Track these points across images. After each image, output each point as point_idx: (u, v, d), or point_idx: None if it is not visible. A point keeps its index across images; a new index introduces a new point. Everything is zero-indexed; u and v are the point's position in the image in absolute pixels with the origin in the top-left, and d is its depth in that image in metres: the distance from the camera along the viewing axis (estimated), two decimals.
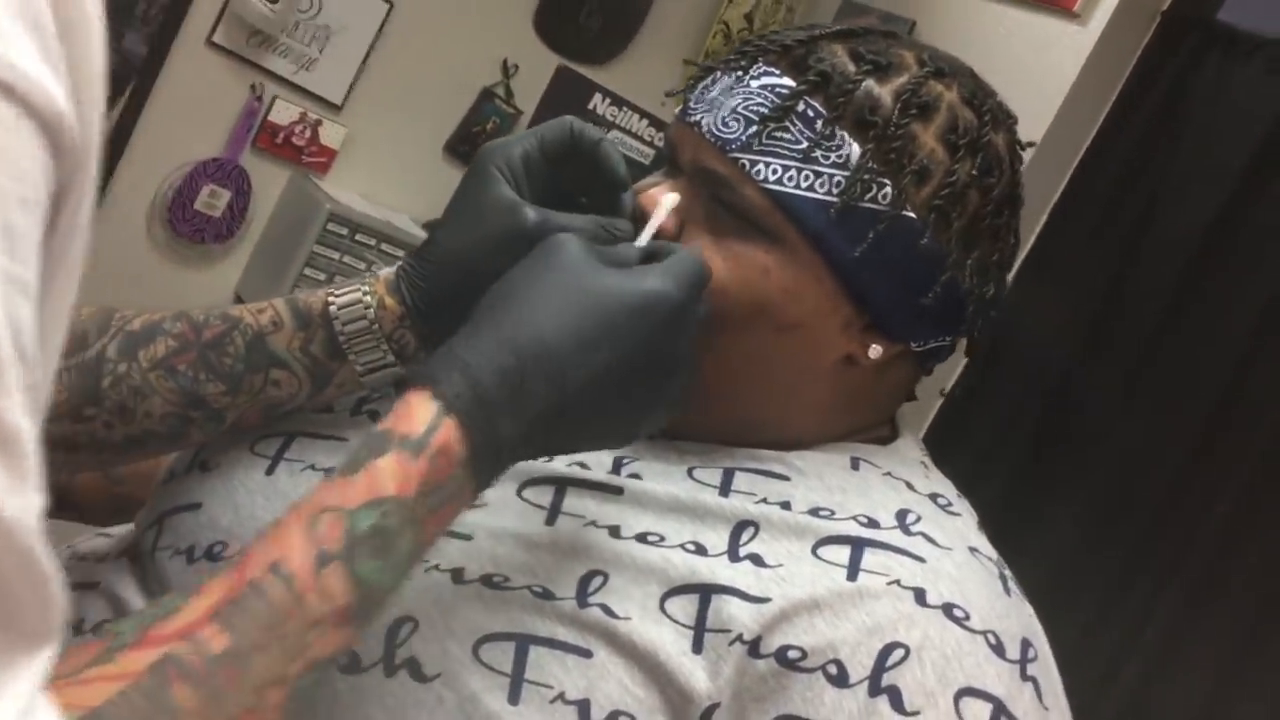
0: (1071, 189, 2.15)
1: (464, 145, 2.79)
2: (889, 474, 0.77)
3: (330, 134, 2.66)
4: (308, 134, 2.64)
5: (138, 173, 2.50)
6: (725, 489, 0.73)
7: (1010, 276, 0.82)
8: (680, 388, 0.67)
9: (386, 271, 0.76)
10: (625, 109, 2.94)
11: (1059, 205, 2.15)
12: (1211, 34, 2.06)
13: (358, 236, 2.56)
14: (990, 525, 0.80)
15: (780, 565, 0.68)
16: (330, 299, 0.74)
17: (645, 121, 3.00)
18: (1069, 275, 2.06)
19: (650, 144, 2.98)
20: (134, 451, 0.77)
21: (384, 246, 2.58)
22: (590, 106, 2.89)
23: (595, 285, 0.63)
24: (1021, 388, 1.98)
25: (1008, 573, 0.74)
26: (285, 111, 2.61)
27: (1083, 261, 2.07)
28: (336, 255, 2.54)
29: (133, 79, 2.44)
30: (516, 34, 2.80)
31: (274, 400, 0.76)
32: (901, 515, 0.72)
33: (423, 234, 2.56)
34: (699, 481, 0.74)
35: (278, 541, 0.54)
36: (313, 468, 0.77)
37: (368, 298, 0.74)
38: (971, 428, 1.94)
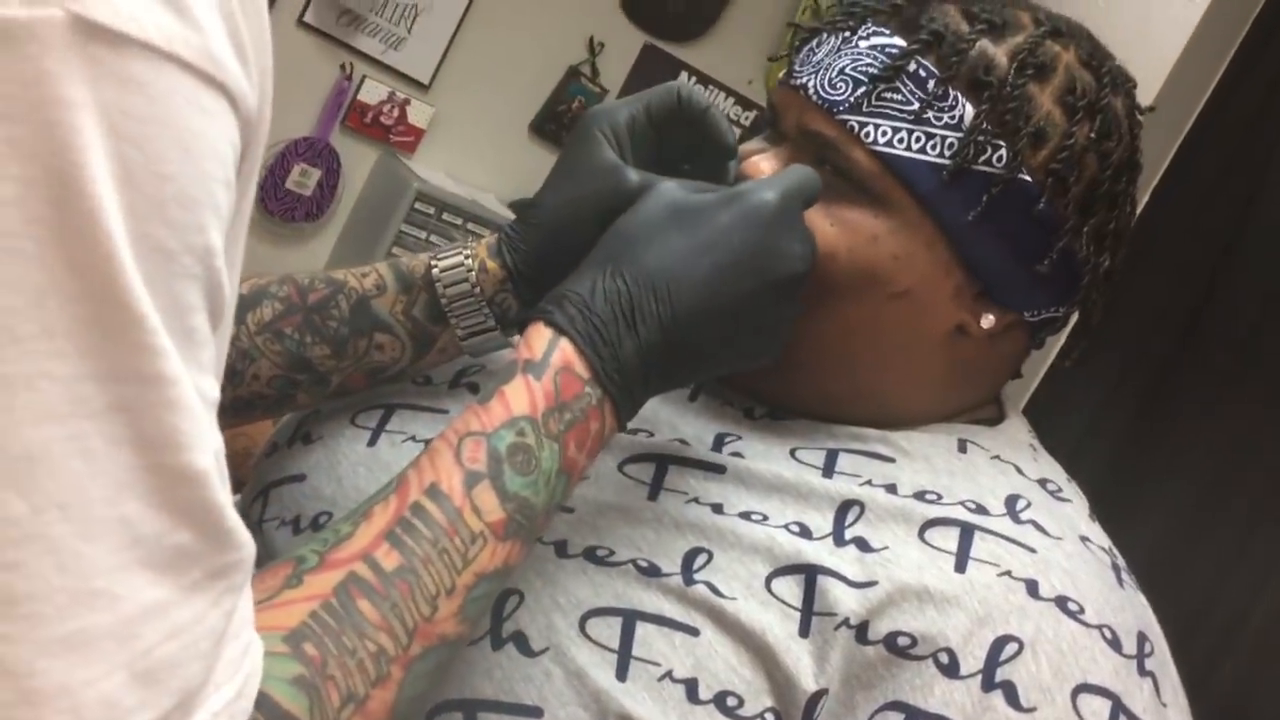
0: (1177, 163, 2.08)
1: (550, 124, 2.79)
2: (997, 457, 0.74)
3: (418, 113, 2.68)
4: (396, 113, 2.66)
5: None
6: (829, 470, 0.71)
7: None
8: (797, 306, 0.67)
9: (489, 236, 0.76)
10: (711, 88, 2.92)
11: (1164, 179, 2.09)
12: None
13: (444, 216, 2.58)
14: (1097, 495, 0.77)
15: (885, 548, 0.66)
16: (433, 263, 0.75)
17: (732, 100, 2.97)
18: (1175, 248, 2.00)
19: (737, 123, 2.95)
20: (242, 414, 0.78)
21: (470, 225, 2.59)
22: None
23: (694, 203, 0.65)
24: (1130, 356, 1.92)
25: (1120, 562, 0.72)
26: (374, 91, 2.63)
27: (1189, 234, 2.01)
28: (424, 234, 2.56)
29: None
30: (603, 12, 2.79)
31: (377, 364, 0.76)
32: (1011, 502, 0.70)
33: (508, 213, 2.56)
34: (802, 462, 0.72)
35: (431, 466, 0.58)
36: (413, 439, 0.77)
37: (469, 261, 0.74)
38: (1079, 393, 1.89)
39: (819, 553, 0.66)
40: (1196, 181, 2.02)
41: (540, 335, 0.62)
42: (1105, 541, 0.73)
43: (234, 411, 0.77)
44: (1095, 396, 1.97)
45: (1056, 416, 1.72)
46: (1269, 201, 1.94)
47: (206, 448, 0.39)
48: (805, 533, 0.67)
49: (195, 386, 0.39)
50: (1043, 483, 0.74)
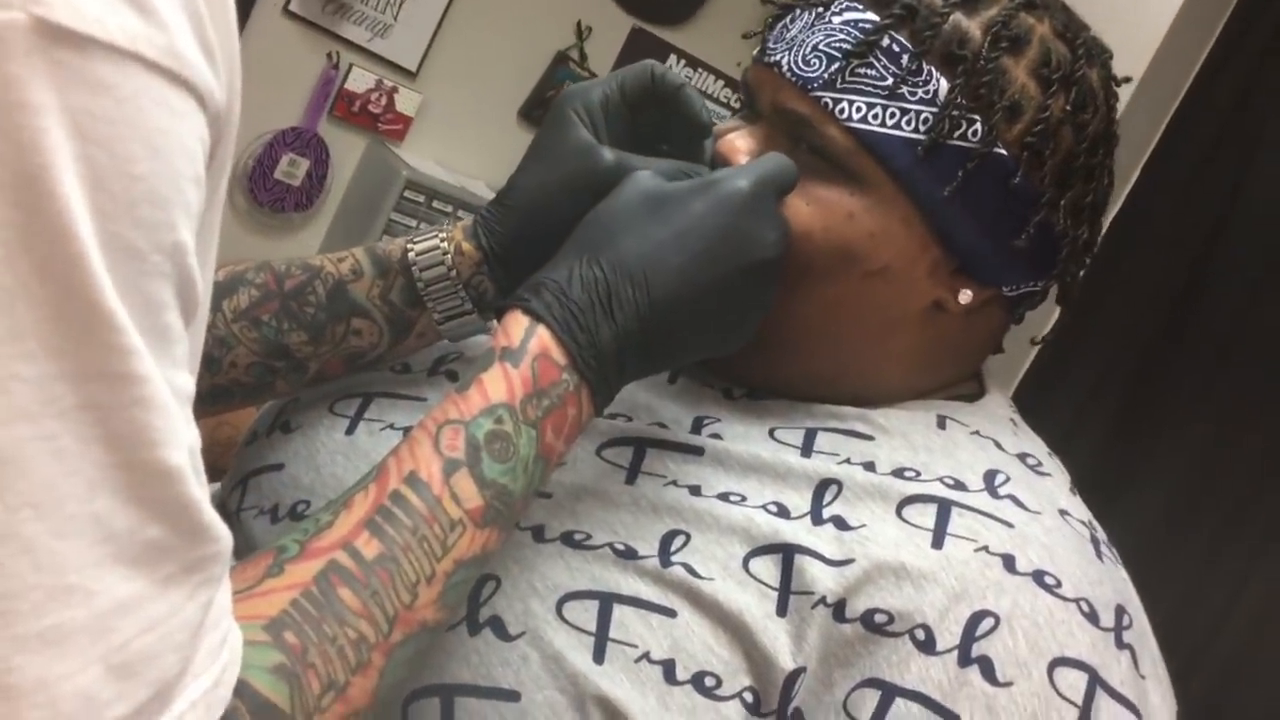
0: (1167, 138, 2.08)
1: (539, 110, 2.78)
2: (976, 432, 0.74)
3: (406, 101, 2.67)
4: (384, 101, 2.65)
5: None
6: (807, 449, 0.71)
7: (1105, 221, 0.78)
8: (770, 291, 0.67)
9: (465, 220, 0.76)
10: (701, 70, 2.91)
11: (1155, 154, 2.08)
12: None
13: (434, 203, 2.57)
14: (1084, 484, 0.76)
15: (863, 526, 0.66)
16: (409, 246, 0.75)
17: (721, 83, 2.96)
18: (1164, 227, 2.00)
19: (726, 105, 2.94)
20: (221, 402, 0.77)
21: (460, 213, 2.58)
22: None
23: (669, 192, 0.66)
24: (1117, 341, 1.92)
25: (1100, 535, 0.71)
26: (361, 79, 2.62)
27: (1179, 212, 2.00)
28: (414, 222, 2.55)
29: None
30: None
31: (355, 350, 0.76)
32: (989, 476, 0.70)
33: None
34: (781, 442, 0.72)
35: (410, 455, 0.58)
36: (391, 427, 0.77)
37: (445, 244, 0.74)
38: (1065, 383, 1.89)
39: (796, 532, 0.66)
40: (1185, 160, 2.01)
41: (518, 323, 0.62)
42: (1085, 515, 0.72)
43: (212, 399, 0.77)
44: (1082, 386, 1.97)
45: (1042, 407, 1.72)
46: (1258, 180, 1.93)
47: (180, 444, 0.39)
48: (783, 512, 0.67)
49: (168, 383, 0.39)
50: (1022, 457, 0.74)
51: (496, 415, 0.59)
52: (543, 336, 0.62)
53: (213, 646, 0.42)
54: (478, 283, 0.74)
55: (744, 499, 0.68)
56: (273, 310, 0.75)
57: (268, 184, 2.56)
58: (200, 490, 0.41)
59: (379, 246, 0.76)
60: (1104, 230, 0.79)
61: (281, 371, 0.76)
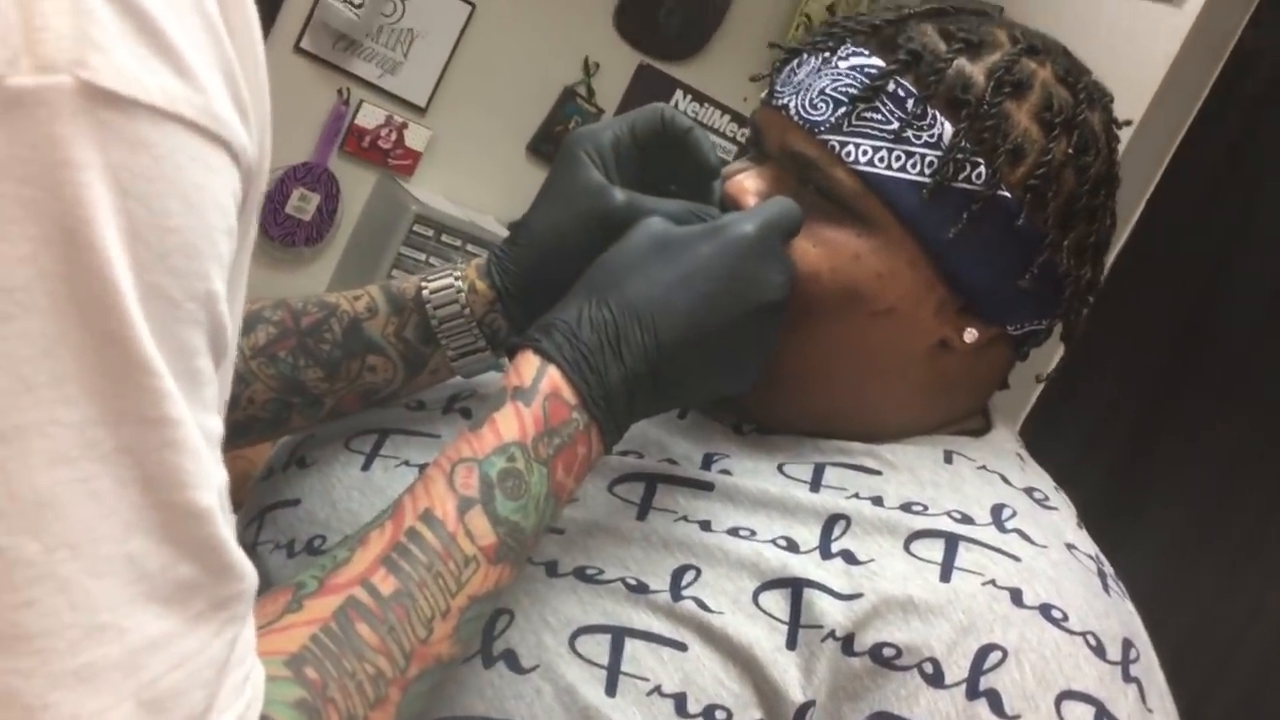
0: (1168, 178, 2.09)
1: (547, 145, 2.81)
2: (983, 467, 0.75)
3: (415, 136, 2.70)
4: (393, 137, 2.67)
5: None
6: (816, 484, 0.72)
7: (1108, 261, 0.80)
8: (776, 333, 0.69)
9: (479, 258, 0.77)
10: (707, 105, 2.93)
11: (1156, 194, 2.09)
12: None
13: (443, 238, 2.59)
14: (1091, 519, 0.77)
15: (872, 561, 0.67)
16: (423, 284, 0.76)
17: (727, 117, 2.99)
18: (1168, 264, 2.01)
19: (733, 140, 2.96)
20: (238, 437, 0.78)
21: (469, 247, 2.60)
22: (672, 103, 2.88)
23: (677, 236, 0.67)
24: (1123, 378, 1.93)
25: (1107, 569, 0.72)
26: (371, 115, 2.65)
27: (1182, 250, 2.01)
28: (423, 256, 2.57)
29: None
30: (597, 33, 2.81)
31: (371, 386, 0.77)
32: (996, 511, 0.71)
33: (508, 234, 2.57)
34: (789, 477, 0.73)
35: (425, 493, 0.60)
36: (406, 463, 0.78)
37: (459, 282, 0.75)
38: (1072, 417, 1.90)
39: (805, 566, 0.67)
40: (1190, 195, 2.03)
41: (529, 363, 0.63)
42: (1092, 549, 0.73)
43: (230, 435, 0.77)
44: (1089, 422, 1.97)
45: (1048, 442, 1.72)
46: (1266, 209, 1.94)
47: (210, 485, 0.41)
48: (792, 546, 0.68)
49: (199, 425, 0.40)
50: (1029, 491, 0.74)
51: (509, 453, 0.61)
52: (553, 376, 0.63)
53: (237, 683, 0.43)
54: (491, 320, 0.75)
55: (754, 534, 0.69)
56: (290, 347, 0.76)
57: (279, 219, 2.58)
58: (228, 530, 0.42)
59: (394, 284, 0.78)
60: (1107, 269, 0.80)
61: (298, 407, 0.78)
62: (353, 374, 0.77)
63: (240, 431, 0.78)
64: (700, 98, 2.92)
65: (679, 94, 2.90)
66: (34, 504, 0.36)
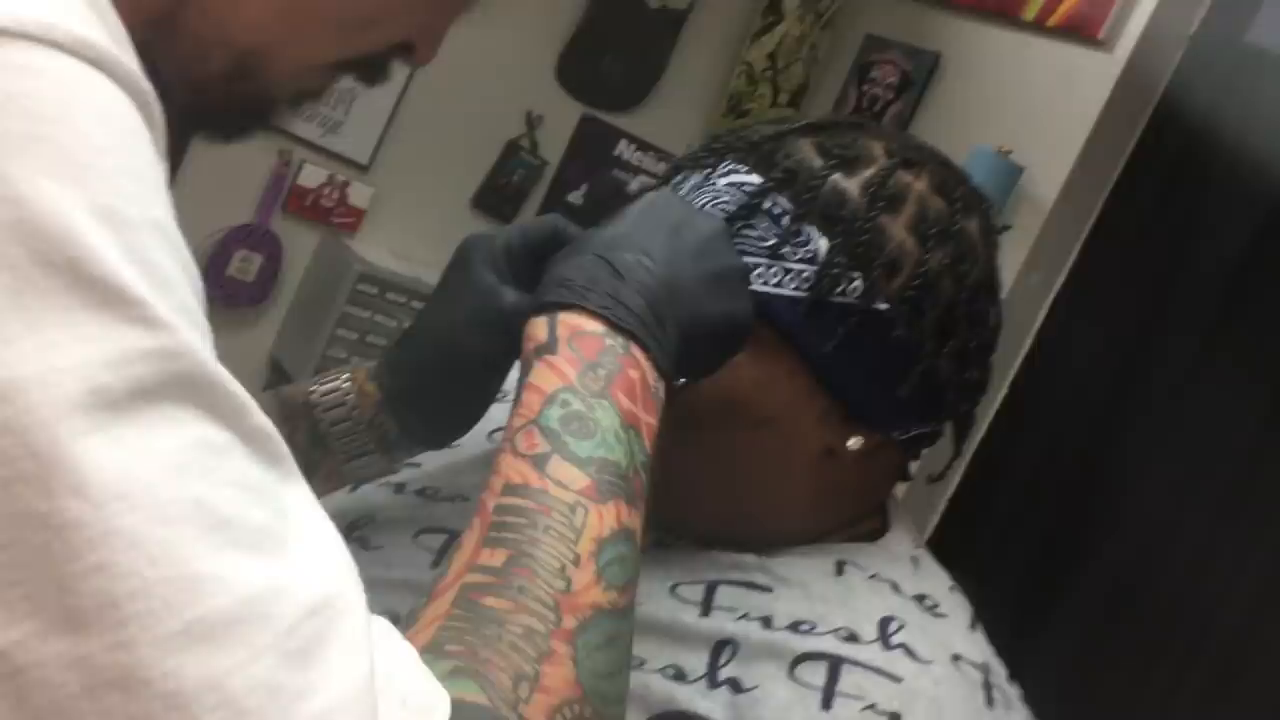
0: (1102, 220, 2.11)
1: (491, 199, 2.81)
2: (874, 576, 0.75)
3: (358, 194, 2.69)
4: (336, 195, 2.66)
5: None
6: (707, 607, 0.72)
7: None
8: (745, 265, 0.71)
9: (371, 362, 0.77)
10: (651, 153, 2.94)
11: (1090, 237, 2.11)
12: (1241, 56, 2.02)
13: (388, 295, 2.58)
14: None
15: (756, 688, 0.67)
16: (311, 389, 0.76)
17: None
18: (1102, 309, 2.02)
19: None
20: None
21: (414, 304, 2.59)
22: (616, 153, 2.90)
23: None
24: (1051, 441, 1.93)
25: (994, 679, 0.72)
26: (313, 174, 2.64)
27: (1117, 293, 2.03)
28: (368, 314, 2.56)
29: None
30: (539, 85, 2.81)
31: None
32: (884, 624, 0.71)
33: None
34: (681, 600, 0.73)
35: (498, 472, 0.56)
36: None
37: (346, 384, 0.75)
38: (995, 495, 1.90)
39: (692, 697, 0.67)
40: (1123, 235, 2.04)
41: (538, 324, 0.62)
42: (981, 655, 0.73)
43: None
44: (1014, 501, 1.97)
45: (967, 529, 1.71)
46: (1199, 247, 1.96)
47: (249, 404, 0.40)
48: (680, 676, 0.68)
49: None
50: (920, 599, 0.75)
51: (560, 400, 0.58)
52: (566, 319, 0.61)
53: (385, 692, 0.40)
54: (380, 422, 0.75)
55: (643, 663, 0.69)
56: None
57: (221, 281, 2.56)
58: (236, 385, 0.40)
59: (285, 391, 0.77)
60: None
61: None
62: None
63: None
64: (644, 146, 2.93)
65: (623, 143, 2.91)
66: (58, 459, 0.33)
